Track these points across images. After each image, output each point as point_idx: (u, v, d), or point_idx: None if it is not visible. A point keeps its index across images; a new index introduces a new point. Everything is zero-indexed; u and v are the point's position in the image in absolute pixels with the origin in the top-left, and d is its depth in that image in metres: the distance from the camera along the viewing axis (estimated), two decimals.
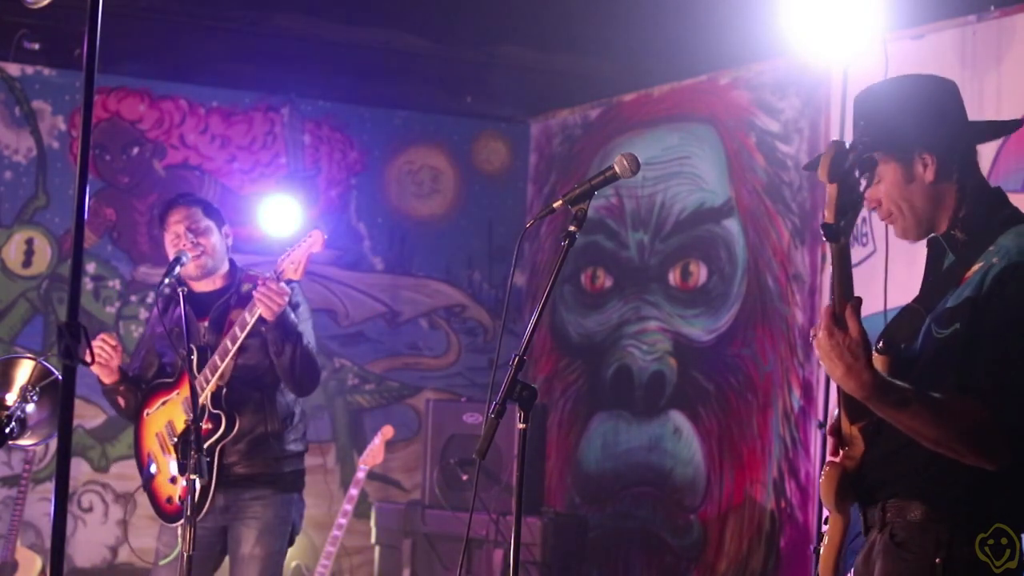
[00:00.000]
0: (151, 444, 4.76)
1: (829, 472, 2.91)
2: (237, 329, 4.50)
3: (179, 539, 4.48)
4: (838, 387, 2.79)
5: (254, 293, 4.44)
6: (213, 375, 4.52)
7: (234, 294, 4.69)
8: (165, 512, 4.68)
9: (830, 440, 2.98)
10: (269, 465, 4.66)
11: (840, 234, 2.71)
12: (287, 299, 4.47)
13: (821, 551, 3.02)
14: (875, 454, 2.87)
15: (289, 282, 4.48)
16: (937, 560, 2.75)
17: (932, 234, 2.93)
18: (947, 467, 2.76)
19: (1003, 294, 2.72)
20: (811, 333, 2.74)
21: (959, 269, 2.84)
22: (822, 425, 5.39)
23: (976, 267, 2.79)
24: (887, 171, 2.90)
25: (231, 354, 4.51)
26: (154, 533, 4.83)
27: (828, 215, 2.70)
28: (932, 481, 2.79)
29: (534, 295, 7.96)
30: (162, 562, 4.64)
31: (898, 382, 2.68)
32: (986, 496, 2.77)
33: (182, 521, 4.43)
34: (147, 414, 4.77)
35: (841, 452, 2.91)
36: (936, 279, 2.91)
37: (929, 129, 2.87)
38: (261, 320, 4.47)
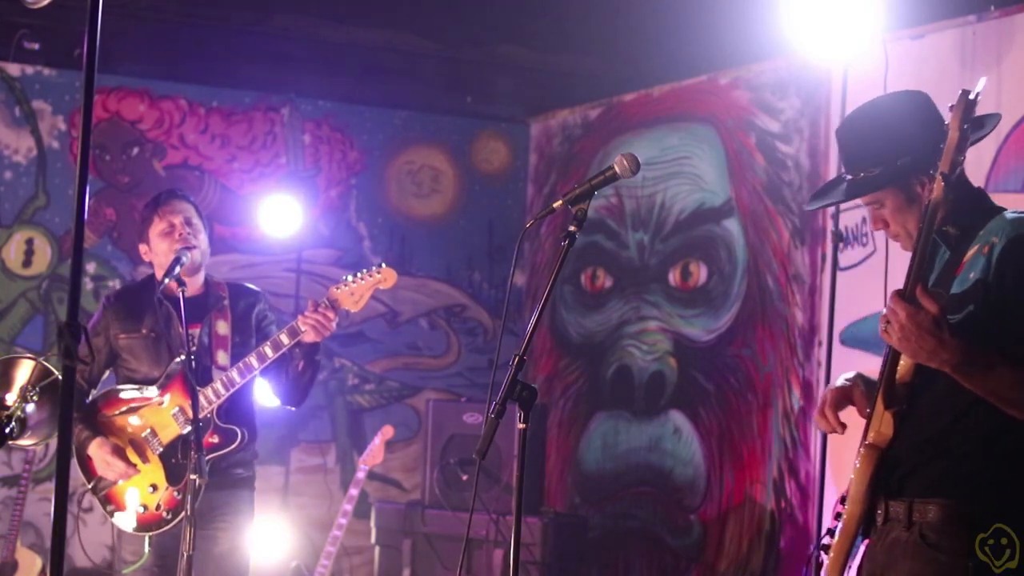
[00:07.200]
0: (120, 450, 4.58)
1: (867, 456, 2.92)
2: (269, 349, 4.45)
3: (146, 547, 4.46)
4: (885, 370, 2.85)
5: (301, 317, 4.43)
6: (228, 390, 4.46)
7: (216, 303, 4.65)
8: (134, 521, 4.51)
9: (831, 413, 3.02)
10: (242, 468, 4.69)
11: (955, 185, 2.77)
12: (335, 326, 4.48)
13: (833, 542, 3.00)
14: (904, 442, 2.90)
15: (335, 309, 4.47)
16: (970, 564, 2.78)
17: None
18: (974, 465, 2.83)
19: (1017, 265, 2.81)
20: (880, 326, 2.78)
21: (955, 258, 2.92)
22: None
23: (971, 252, 2.88)
24: (887, 196, 2.98)
25: (255, 373, 4.48)
26: None
27: (945, 164, 2.73)
28: (958, 481, 2.84)
29: (534, 295, 7.96)
30: (126, 570, 4.50)
31: (979, 346, 2.74)
32: (1002, 495, 2.83)
33: (162, 530, 4.45)
34: (110, 416, 4.55)
35: (871, 433, 2.92)
36: (938, 274, 2.97)
37: (918, 151, 2.92)
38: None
